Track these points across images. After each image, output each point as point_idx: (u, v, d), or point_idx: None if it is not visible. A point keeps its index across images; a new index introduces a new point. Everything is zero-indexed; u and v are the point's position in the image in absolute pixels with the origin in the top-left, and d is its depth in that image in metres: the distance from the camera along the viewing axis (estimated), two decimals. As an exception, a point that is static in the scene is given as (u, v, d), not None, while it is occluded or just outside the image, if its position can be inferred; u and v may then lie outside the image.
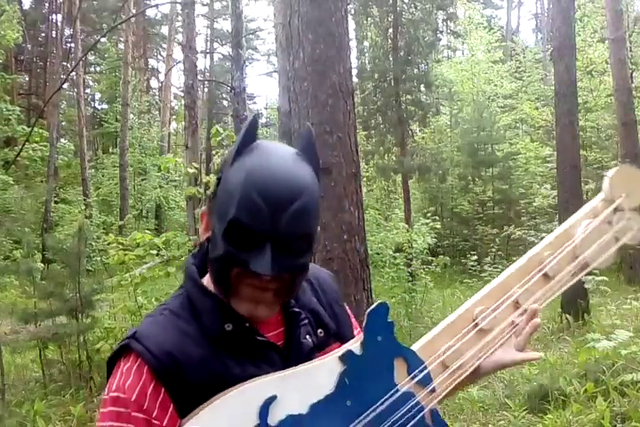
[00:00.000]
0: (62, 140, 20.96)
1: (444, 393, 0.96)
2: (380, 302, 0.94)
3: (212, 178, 5.44)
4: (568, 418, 3.89)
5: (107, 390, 0.88)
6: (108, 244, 6.25)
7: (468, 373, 0.98)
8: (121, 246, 5.93)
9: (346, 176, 3.07)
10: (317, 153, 0.96)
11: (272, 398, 0.84)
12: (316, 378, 0.89)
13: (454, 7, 14.25)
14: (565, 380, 4.50)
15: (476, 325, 1.00)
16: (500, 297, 1.03)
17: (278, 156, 0.90)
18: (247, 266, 0.85)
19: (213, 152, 8.18)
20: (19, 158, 15.33)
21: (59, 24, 21.99)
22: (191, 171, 5.91)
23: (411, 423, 0.91)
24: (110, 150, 22.30)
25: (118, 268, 7.64)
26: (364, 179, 13.59)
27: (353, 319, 1.10)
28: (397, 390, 0.92)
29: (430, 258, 9.49)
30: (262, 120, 32.69)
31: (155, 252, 5.67)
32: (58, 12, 22.49)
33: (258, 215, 0.84)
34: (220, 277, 0.90)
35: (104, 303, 6.35)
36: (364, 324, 0.93)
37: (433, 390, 0.94)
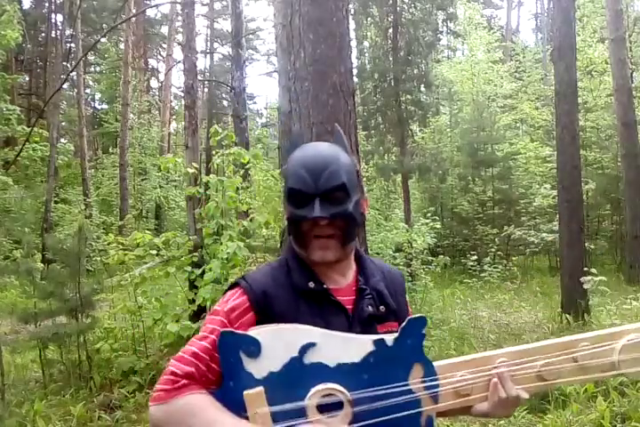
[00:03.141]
0: (62, 140, 20.97)
1: (444, 407, 1.13)
2: (421, 315, 1.15)
3: (212, 178, 5.44)
4: (568, 418, 3.88)
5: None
6: (108, 244, 6.24)
7: (469, 403, 1.16)
8: (121, 246, 5.92)
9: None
10: (345, 142, 1.30)
11: (313, 344, 1.07)
12: (351, 346, 1.09)
13: (454, 7, 14.21)
14: (565, 380, 4.50)
15: (494, 368, 1.15)
16: (526, 361, 1.17)
17: (313, 146, 1.29)
18: (306, 217, 1.17)
19: (213, 152, 8.18)
20: (19, 158, 15.34)
21: (59, 24, 22.00)
22: (191, 171, 5.90)
23: (405, 413, 1.09)
24: (110, 150, 22.28)
25: (118, 268, 7.65)
26: (364, 179, 13.58)
27: (410, 312, 1.36)
28: (407, 385, 1.10)
29: (430, 258, 9.49)
30: (262, 120, 32.71)
31: (155, 252, 5.66)
32: (58, 11, 22.48)
33: (304, 181, 1.19)
34: (295, 235, 1.22)
35: (104, 303, 6.34)
36: (402, 325, 1.12)
37: (436, 400, 1.12)
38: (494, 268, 10.12)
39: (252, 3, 44.22)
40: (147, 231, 5.96)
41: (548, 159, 13.93)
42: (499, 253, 12.17)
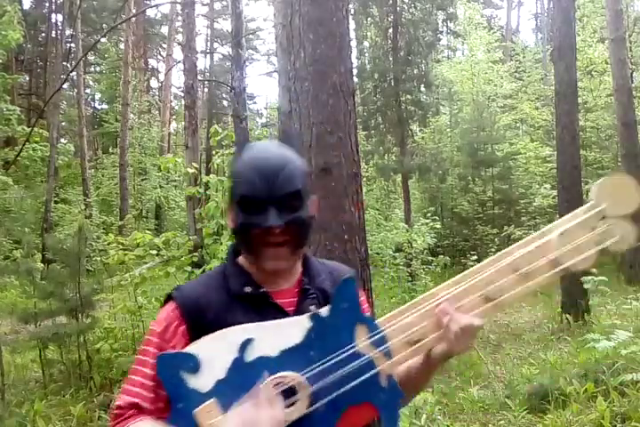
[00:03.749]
0: (62, 140, 20.96)
1: (399, 361, 1.10)
2: (349, 275, 1.15)
3: (212, 178, 5.43)
4: (568, 418, 3.89)
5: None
6: (108, 244, 6.25)
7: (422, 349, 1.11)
8: (121, 246, 5.92)
9: (346, 176, 3.07)
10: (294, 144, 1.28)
11: (250, 340, 1.05)
12: (289, 331, 1.08)
13: (454, 7, 14.22)
14: (565, 380, 4.50)
15: (437, 306, 1.11)
16: (467, 287, 1.12)
17: (263, 146, 1.22)
18: (260, 224, 1.12)
19: (213, 152, 8.18)
20: (19, 158, 15.32)
21: (59, 24, 21.99)
22: (191, 171, 5.90)
23: (362, 378, 1.07)
24: (110, 150, 22.29)
25: (118, 268, 7.65)
26: (364, 179, 13.59)
27: (367, 312, 1.29)
28: (353, 348, 1.08)
29: (430, 258, 9.49)
30: (262, 120, 32.69)
31: (155, 252, 5.66)
32: (58, 11, 22.47)
33: (256, 187, 1.13)
34: (245, 243, 1.17)
35: (104, 303, 6.35)
36: (333, 292, 1.12)
37: (389, 355, 1.09)
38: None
39: (252, 3, 44.22)
40: (147, 231, 5.96)
41: (548, 159, 13.93)
42: (499, 253, 12.15)
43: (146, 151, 21.66)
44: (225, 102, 28.77)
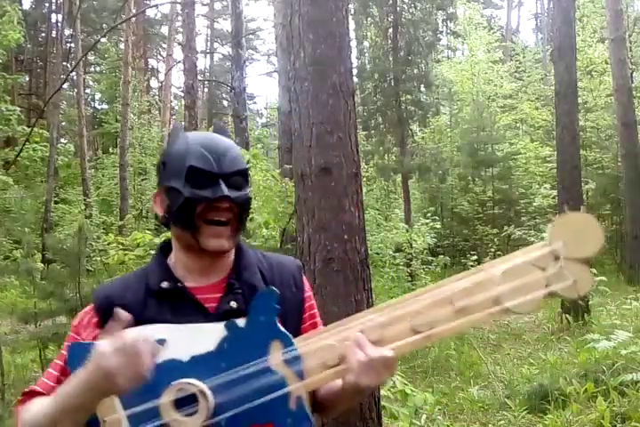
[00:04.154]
0: (62, 140, 20.97)
1: (312, 384, 1.03)
2: (270, 287, 1.08)
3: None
4: (568, 418, 3.89)
5: None
6: (108, 244, 6.25)
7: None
8: (121, 246, 5.92)
9: (346, 176, 3.07)
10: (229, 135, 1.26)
11: (162, 341, 1.01)
12: (204, 336, 1.04)
13: (454, 7, 14.22)
14: (565, 380, 4.50)
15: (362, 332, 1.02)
16: (397, 318, 1.02)
17: (202, 132, 1.25)
18: (209, 197, 1.10)
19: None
20: (19, 158, 15.32)
21: (59, 24, 21.98)
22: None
23: (269, 396, 1.00)
24: (110, 150, 22.28)
25: (118, 268, 7.64)
26: (364, 179, 13.58)
27: (312, 310, 1.23)
28: (265, 363, 1.02)
29: (430, 258, 9.49)
30: (262, 120, 32.70)
31: (155, 252, 5.66)
32: (58, 12, 22.48)
33: (207, 161, 1.12)
34: (186, 221, 1.12)
35: (104, 303, 6.33)
36: (252, 302, 1.06)
37: (301, 376, 1.02)
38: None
39: (252, 3, 44.21)
40: (147, 231, 5.96)
41: (548, 159, 13.94)
42: (499, 253, 12.16)
43: (146, 151, 21.66)
44: (225, 102, 28.78)
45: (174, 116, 27.05)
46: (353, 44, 13.97)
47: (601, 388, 4.21)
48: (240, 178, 1.15)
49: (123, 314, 1.04)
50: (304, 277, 1.26)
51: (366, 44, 13.74)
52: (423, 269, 9.09)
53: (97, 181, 20.45)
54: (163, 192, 1.17)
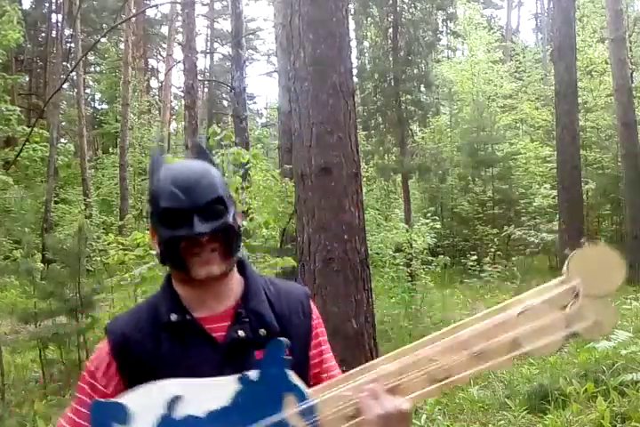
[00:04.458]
0: (62, 140, 20.97)
1: None
2: (279, 338, 1.05)
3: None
4: (568, 418, 3.88)
5: None
6: (108, 244, 6.24)
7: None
8: (121, 246, 5.91)
9: (346, 176, 3.07)
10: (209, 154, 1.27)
11: (179, 397, 1.02)
12: (216, 390, 1.03)
13: (454, 7, 14.23)
14: (565, 380, 4.50)
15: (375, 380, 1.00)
16: (412, 365, 0.99)
17: (179, 163, 1.23)
18: (186, 235, 1.08)
19: (213, 152, 8.16)
20: (19, 158, 15.32)
21: (59, 24, 21.98)
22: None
23: None
24: (110, 150, 22.28)
25: (118, 268, 7.64)
26: (364, 179, 13.58)
27: (320, 337, 1.23)
28: (281, 416, 1.01)
29: (430, 258, 9.48)
30: (262, 120, 32.71)
31: (155, 252, 5.65)
32: (58, 12, 22.48)
33: (177, 198, 1.10)
34: (173, 258, 1.12)
35: (104, 303, 6.35)
36: (263, 355, 1.05)
37: None
38: (494, 268, 10.12)
39: (252, 3, 44.22)
40: (147, 231, 5.95)
41: (548, 159, 13.94)
42: (499, 253, 12.17)
43: (146, 151, 21.65)
44: (225, 102, 28.78)
45: (174, 116, 27.07)
46: (353, 44, 13.98)
47: (601, 388, 4.20)
48: (217, 206, 1.12)
49: None
50: (312, 304, 1.25)
51: (366, 44, 13.75)
52: (423, 269, 9.09)
53: (97, 181, 20.45)
54: (153, 233, 1.18)
